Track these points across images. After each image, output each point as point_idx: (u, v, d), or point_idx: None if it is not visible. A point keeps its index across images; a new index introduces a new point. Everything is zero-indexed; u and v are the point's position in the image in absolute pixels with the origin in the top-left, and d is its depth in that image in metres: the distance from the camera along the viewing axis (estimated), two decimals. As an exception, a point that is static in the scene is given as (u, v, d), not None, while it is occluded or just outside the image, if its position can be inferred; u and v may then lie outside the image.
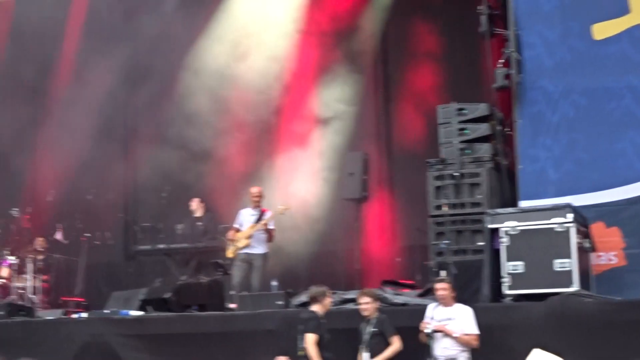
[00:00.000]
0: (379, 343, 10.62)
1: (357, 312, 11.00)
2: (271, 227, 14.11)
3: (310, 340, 10.36)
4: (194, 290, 13.60)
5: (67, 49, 18.09)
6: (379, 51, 16.64)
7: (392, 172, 16.41)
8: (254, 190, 14.40)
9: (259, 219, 14.11)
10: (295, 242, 15.37)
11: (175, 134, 16.80)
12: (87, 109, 17.21)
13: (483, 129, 13.09)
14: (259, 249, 14.06)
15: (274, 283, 13.81)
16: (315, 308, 10.72)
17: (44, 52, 17.66)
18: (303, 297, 12.34)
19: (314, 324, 10.48)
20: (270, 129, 16.82)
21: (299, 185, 15.18)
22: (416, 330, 10.41)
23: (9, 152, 17.72)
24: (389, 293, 12.12)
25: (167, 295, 13.47)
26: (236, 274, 14.00)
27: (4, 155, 17.81)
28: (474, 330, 10.33)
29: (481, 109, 13.18)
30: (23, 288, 15.64)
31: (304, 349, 10.39)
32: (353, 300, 11.81)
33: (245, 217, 14.28)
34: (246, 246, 13.99)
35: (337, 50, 16.28)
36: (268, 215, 14.18)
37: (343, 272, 15.03)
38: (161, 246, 15.77)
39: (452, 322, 10.36)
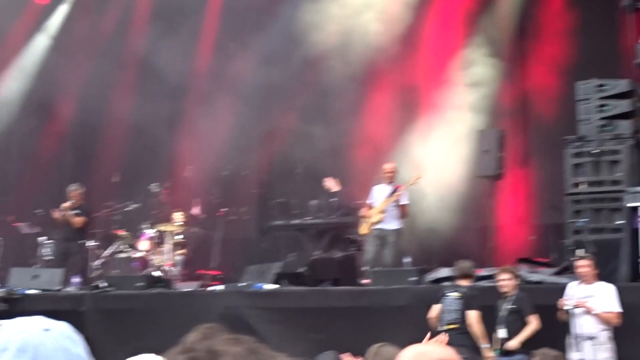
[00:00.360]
0: (515, 320, 10.55)
1: (492, 289, 10.95)
2: (404, 202, 14.09)
3: (476, 317, 10.43)
4: (327, 265, 13.75)
5: (209, 28, 18.46)
6: (517, 28, 16.38)
7: (527, 149, 16.17)
8: (387, 166, 14.43)
9: (391, 194, 14.12)
10: (429, 218, 15.33)
11: (312, 110, 17.01)
12: (228, 89, 17.65)
13: (624, 105, 12.78)
14: (392, 224, 14.08)
15: (407, 259, 13.84)
16: (465, 283, 10.78)
17: (188, 30, 18.09)
18: (442, 273, 12.38)
19: (477, 300, 10.56)
20: (407, 105, 16.83)
21: (433, 162, 15.12)
22: (553, 308, 10.29)
23: (149, 127, 18.23)
24: (524, 271, 12.00)
25: (301, 269, 13.67)
26: (369, 249, 14.08)
27: (145, 131, 18.34)
28: (616, 308, 10.13)
29: (622, 85, 12.88)
30: (161, 261, 16.09)
31: (454, 323, 10.46)
32: (488, 278, 11.76)
33: (379, 193, 14.32)
34: (379, 221, 14.03)
35: (475, 27, 16.10)
36: (400, 189, 14.16)
37: (476, 250, 14.89)
38: (295, 221, 15.97)
39: (592, 299, 10.19)
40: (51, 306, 13.19)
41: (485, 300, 10.88)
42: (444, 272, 12.61)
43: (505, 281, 10.71)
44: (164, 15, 18.27)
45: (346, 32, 16.54)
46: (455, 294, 10.82)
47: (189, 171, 17.90)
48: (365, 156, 16.24)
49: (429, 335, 4.55)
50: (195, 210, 17.33)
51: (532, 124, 16.30)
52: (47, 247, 16.65)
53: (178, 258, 16.18)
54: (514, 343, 10.36)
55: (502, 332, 10.56)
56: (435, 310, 10.93)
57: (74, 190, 16.14)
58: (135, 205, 17.44)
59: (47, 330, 2.15)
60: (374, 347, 4.86)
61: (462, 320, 10.65)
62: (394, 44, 16.69)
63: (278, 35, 17.23)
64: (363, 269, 14.16)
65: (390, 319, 11.90)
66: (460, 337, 10.46)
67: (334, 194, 15.68)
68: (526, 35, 16.52)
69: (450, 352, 2.57)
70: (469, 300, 10.63)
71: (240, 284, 13.69)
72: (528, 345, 10.04)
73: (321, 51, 16.74)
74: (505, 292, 10.71)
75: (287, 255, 15.33)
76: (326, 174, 15.92)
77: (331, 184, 15.78)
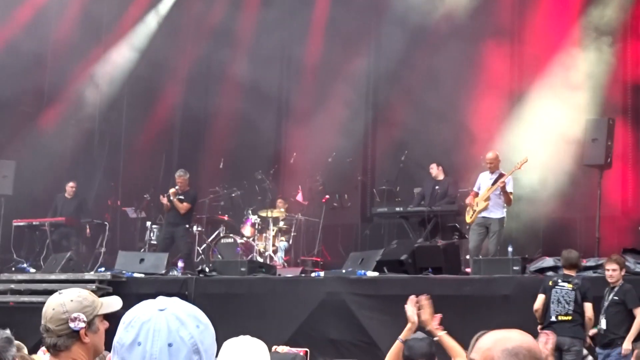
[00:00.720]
0: (618, 312, 10.37)
1: (597, 280, 10.79)
2: (509, 190, 13.86)
3: (591, 309, 10.33)
4: (430, 253, 13.69)
5: (320, 14, 18.54)
6: (628, 20, 16.00)
7: (636, 138, 15.80)
8: (489, 155, 14.23)
9: (496, 182, 13.96)
10: (534, 207, 15.13)
11: (417, 98, 16.98)
12: (337, 76, 17.78)
13: None
14: (496, 213, 13.91)
15: (510, 249, 13.69)
16: (571, 274, 10.65)
17: (299, 17, 18.22)
18: (546, 263, 12.23)
19: (591, 291, 10.45)
20: (509, 94, 16.66)
21: (538, 150, 14.90)
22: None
23: (256, 115, 18.46)
24: (630, 262, 11.77)
25: (403, 257, 13.64)
26: (472, 237, 13.96)
27: (252, 119, 18.56)
28: None
29: None
30: (264, 247, 16.28)
31: (566, 315, 10.35)
32: (593, 268, 11.58)
33: (484, 181, 14.17)
34: (484, 209, 13.87)
35: (586, 18, 15.79)
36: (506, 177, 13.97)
37: (581, 240, 14.65)
38: (398, 209, 15.94)
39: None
40: (156, 289, 13.50)
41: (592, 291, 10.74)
42: (548, 261, 12.43)
43: (612, 272, 10.52)
44: (275, 1, 18.41)
45: (453, 18, 16.47)
46: (568, 285, 10.61)
47: (293, 158, 18.02)
48: (470, 144, 16.09)
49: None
50: (299, 197, 17.46)
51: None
52: (153, 231, 17.03)
53: (281, 244, 16.36)
54: (627, 345, 10.13)
55: (602, 323, 10.39)
56: (540, 301, 10.77)
57: (180, 176, 16.43)
58: (240, 192, 17.67)
59: (162, 310, 2.23)
60: (477, 337, 4.84)
61: (576, 311, 10.45)
62: (500, 31, 16.57)
63: (390, 23, 17.24)
64: (466, 257, 14.08)
65: (494, 308, 11.81)
66: (574, 329, 10.32)
67: (439, 181, 15.60)
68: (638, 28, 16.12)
69: (531, 339, 2.55)
70: (585, 292, 10.46)
71: (342, 271, 13.75)
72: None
73: (431, 39, 16.73)
74: (612, 283, 10.53)
75: (389, 242, 15.33)
76: (431, 162, 15.84)
77: (436, 172, 15.69)
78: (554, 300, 10.58)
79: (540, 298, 10.76)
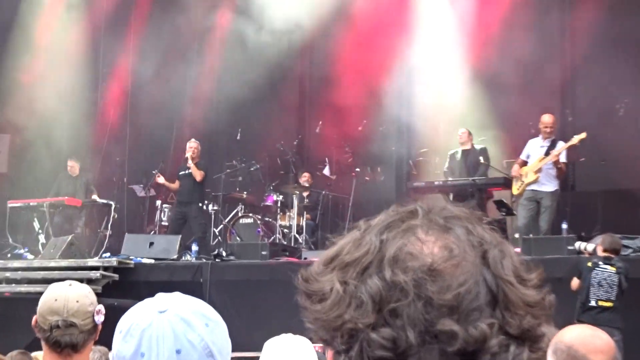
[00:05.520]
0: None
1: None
2: (563, 160, 13.73)
3: None
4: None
5: None
6: None
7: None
8: (546, 119, 14.03)
9: (549, 151, 13.81)
10: (589, 179, 15.02)
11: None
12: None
13: None
14: (548, 186, 13.77)
15: (565, 226, 13.59)
16: (613, 256, 10.57)
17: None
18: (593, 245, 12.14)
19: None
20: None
21: (595, 118, 14.78)
22: None
23: (276, 78, 18.43)
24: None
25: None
26: (521, 214, 13.86)
27: (272, 83, 18.53)
28: None
29: None
30: (287, 227, 16.26)
31: (608, 301, 10.30)
32: None
33: (534, 149, 13.99)
34: (534, 182, 13.74)
35: None
36: (560, 146, 13.83)
37: (632, 217, 14.51)
38: (437, 182, 15.84)
39: None
40: (167, 276, 13.56)
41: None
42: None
43: None
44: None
45: None
46: (611, 268, 10.50)
47: (319, 126, 17.95)
48: (518, 102, 15.97)
49: None
50: (326, 171, 17.41)
51: None
52: (163, 211, 17.07)
53: (306, 224, 16.32)
54: None
55: None
56: (576, 283, 10.68)
57: (193, 144, 16.43)
58: (259, 165, 17.64)
59: (162, 312, 2.17)
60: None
61: (617, 297, 10.36)
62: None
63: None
64: (515, 236, 13.98)
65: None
66: (615, 318, 10.24)
67: (468, 150, 15.44)
68: None
69: (612, 343, 2.54)
70: (626, 276, 10.38)
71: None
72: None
73: None
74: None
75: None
76: (472, 124, 15.69)
77: (465, 139, 15.42)
78: (594, 284, 10.45)
79: (576, 281, 10.66)
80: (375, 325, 1.28)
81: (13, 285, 14.35)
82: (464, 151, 15.49)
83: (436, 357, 1.26)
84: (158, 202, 17.30)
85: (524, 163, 14.03)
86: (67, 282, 3.98)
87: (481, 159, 15.13)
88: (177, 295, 2.22)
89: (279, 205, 16.39)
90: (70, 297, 3.84)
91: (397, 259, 1.33)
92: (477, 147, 15.47)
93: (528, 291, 1.34)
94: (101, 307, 3.87)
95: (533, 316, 1.33)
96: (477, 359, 1.28)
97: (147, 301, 2.21)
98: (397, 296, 1.29)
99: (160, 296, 2.22)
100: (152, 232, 16.84)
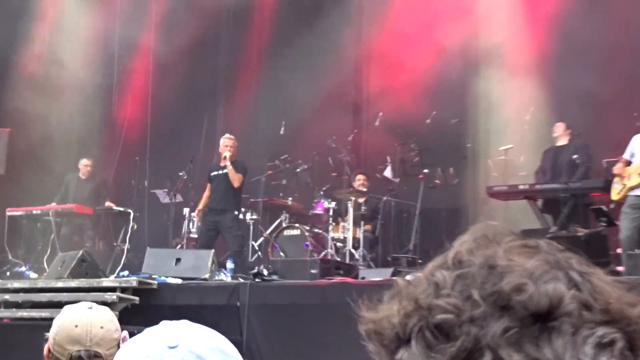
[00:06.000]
0: None
1: None
2: (676, 160, 13.64)
3: None
4: (567, 245, 13.48)
5: None
6: None
7: None
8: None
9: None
10: None
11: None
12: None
13: None
14: (657, 191, 13.71)
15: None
16: None
17: None
18: None
19: None
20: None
21: None
22: None
23: (328, 61, 18.44)
24: None
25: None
26: (624, 224, 13.73)
27: (323, 66, 18.56)
28: None
29: None
30: (341, 240, 16.23)
31: None
32: None
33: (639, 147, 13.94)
34: (638, 186, 13.66)
35: None
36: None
37: None
38: (522, 186, 15.73)
39: None
40: (197, 300, 13.56)
41: None
42: None
43: None
44: None
45: None
46: None
47: (379, 119, 17.92)
48: (620, 95, 15.89)
49: None
50: (387, 172, 17.37)
51: None
52: (192, 221, 17.11)
53: (364, 236, 16.29)
54: None
55: None
56: None
57: (230, 138, 16.38)
58: (307, 166, 17.64)
59: (173, 347, 2.11)
60: None
61: None
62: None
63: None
64: (617, 251, 13.87)
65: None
66: None
67: (562, 147, 15.32)
68: None
69: None
70: None
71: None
72: None
73: None
74: None
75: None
76: (561, 119, 15.62)
77: (561, 132, 15.37)
78: None
79: None
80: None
81: (13, 309, 14.41)
82: (558, 148, 15.40)
83: (504, 321, 1.26)
84: (185, 210, 17.35)
85: (628, 163, 13.91)
86: (85, 303, 3.97)
87: (575, 157, 15.02)
88: (186, 324, 2.17)
89: (330, 213, 16.38)
90: (93, 323, 3.83)
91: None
92: (575, 143, 15.36)
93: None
94: (126, 333, 3.86)
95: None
96: (553, 326, 1.26)
97: (151, 332, 2.15)
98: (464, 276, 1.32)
99: (166, 326, 2.16)
100: (179, 246, 16.90)
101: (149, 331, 2.15)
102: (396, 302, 1.36)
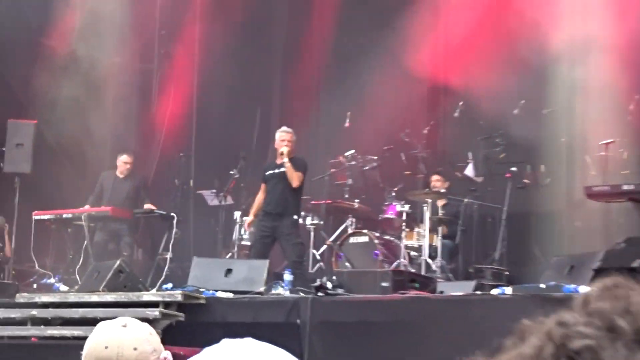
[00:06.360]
0: None
1: None
2: None
3: None
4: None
5: None
6: None
7: None
8: None
9: None
10: None
11: None
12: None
13: None
14: None
15: None
16: None
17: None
18: None
19: None
20: None
21: None
22: None
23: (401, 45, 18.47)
24: None
25: (637, 263, 13.40)
26: None
27: (398, 54, 18.58)
28: None
29: None
30: (416, 248, 16.20)
31: None
32: None
33: None
34: None
35: None
36: None
37: None
38: (627, 187, 15.61)
39: None
40: (251, 316, 13.58)
41: None
42: None
43: None
44: None
45: None
46: None
47: (459, 109, 17.88)
48: None
49: None
50: (469, 171, 17.33)
51: None
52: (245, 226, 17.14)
53: (442, 244, 16.26)
54: None
55: None
56: None
57: (288, 132, 16.35)
58: (377, 164, 17.62)
59: None
60: None
61: None
62: None
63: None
64: None
65: None
66: None
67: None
68: None
69: None
70: None
71: (540, 285, 13.58)
72: None
73: None
74: None
75: (613, 239, 15.08)
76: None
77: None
78: None
79: None
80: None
81: (42, 327, 14.47)
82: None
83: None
84: (237, 214, 17.37)
85: None
86: (121, 320, 3.96)
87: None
88: (249, 342, 2.15)
89: (404, 218, 16.37)
90: (125, 344, 3.84)
91: None
92: None
93: None
94: (168, 354, 3.85)
95: None
96: None
97: (212, 352, 2.16)
98: None
99: (228, 344, 2.15)
100: (230, 255, 16.93)
101: (208, 351, 2.13)
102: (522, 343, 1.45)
